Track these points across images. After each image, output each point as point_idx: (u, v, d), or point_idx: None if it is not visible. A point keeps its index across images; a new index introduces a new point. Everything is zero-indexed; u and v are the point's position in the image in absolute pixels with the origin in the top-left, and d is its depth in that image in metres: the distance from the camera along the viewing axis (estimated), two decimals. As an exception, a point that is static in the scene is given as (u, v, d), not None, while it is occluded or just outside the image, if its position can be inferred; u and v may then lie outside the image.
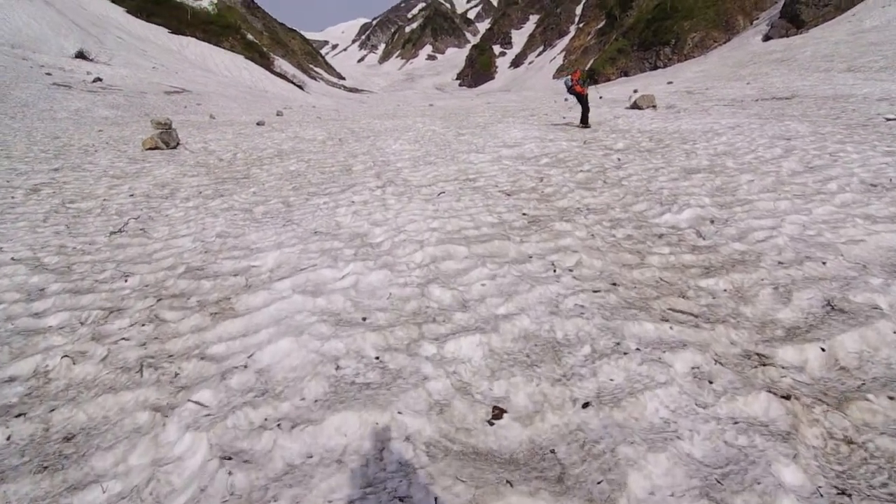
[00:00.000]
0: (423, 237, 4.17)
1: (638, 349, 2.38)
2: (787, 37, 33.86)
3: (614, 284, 3.12)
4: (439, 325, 2.79)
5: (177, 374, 2.46)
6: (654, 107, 16.05)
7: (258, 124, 16.48)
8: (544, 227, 4.34)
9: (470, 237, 4.14)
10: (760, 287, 2.96)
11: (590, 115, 12.48)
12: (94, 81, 23.29)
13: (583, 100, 12.23)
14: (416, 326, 2.77)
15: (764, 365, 2.23)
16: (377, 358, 2.49)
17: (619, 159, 7.31)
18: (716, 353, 2.33)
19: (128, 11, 49.05)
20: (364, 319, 2.91)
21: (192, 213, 5.70)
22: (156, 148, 10.65)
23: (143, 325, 2.99)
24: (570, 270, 3.37)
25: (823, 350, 2.28)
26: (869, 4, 32.13)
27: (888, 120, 8.69)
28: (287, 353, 2.56)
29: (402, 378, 2.30)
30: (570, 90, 12.29)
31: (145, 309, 3.21)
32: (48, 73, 22.71)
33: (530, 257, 3.65)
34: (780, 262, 3.29)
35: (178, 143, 11.32)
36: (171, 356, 2.64)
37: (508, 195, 5.58)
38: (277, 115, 23.05)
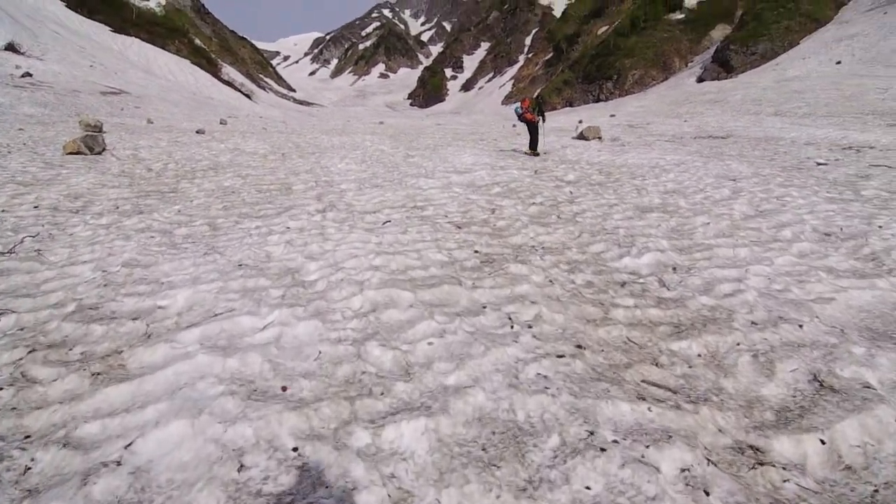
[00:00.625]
0: (364, 277, 3.64)
1: (616, 441, 1.97)
2: (719, 80, 36.42)
3: (580, 347, 2.73)
4: (376, 399, 2.26)
5: (27, 470, 1.81)
6: (599, 138, 16.44)
7: (198, 132, 15.39)
8: (498, 269, 3.93)
9: (416, 280, 3.65)
10: (738, 353, 2.67)
11: (539, 143, 12.47)
12: (22, 76, 21.31)
13: (532, 127, 12.21)
14: (347, 402, 2.23)
15: (762, 464, 1.87)
16: (295, 450, 1.93)
17: (571, 192, 7.13)
18: (705, 448, 1.95)
19: (67, 6, 45.71)
20: (284, 389, 2.34)
21: (101, 234, 4.87)
22: (78, 153, 9.58)
23: (2, 388, 2.28)
24: (530, 326, 2.95)
25: (823, 443, 1.96)
26: (791, 55, 35.26)
27: (819, 164, 9.12)
28: (178, 441, 1.95)
29: (325, 485, 1.76)
30: (521, 118, 12.25)
31: (10, 364, 2.49)
32: (-30, 65, 20.51)
33: (484, 308, 3.21)
34: (753, 323, 3.04)
35: (103, 149, 10.24)
36: (27, 437, 1.98)
37: (459, 228, 5.16)
38: (221, 123, 21.80)
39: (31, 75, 21.91)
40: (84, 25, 44.81)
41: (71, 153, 9.49)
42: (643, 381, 2.44)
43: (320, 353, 2.62)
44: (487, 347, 2.64)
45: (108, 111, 20.30)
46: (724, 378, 2.46)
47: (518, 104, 12.31)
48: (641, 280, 3.82)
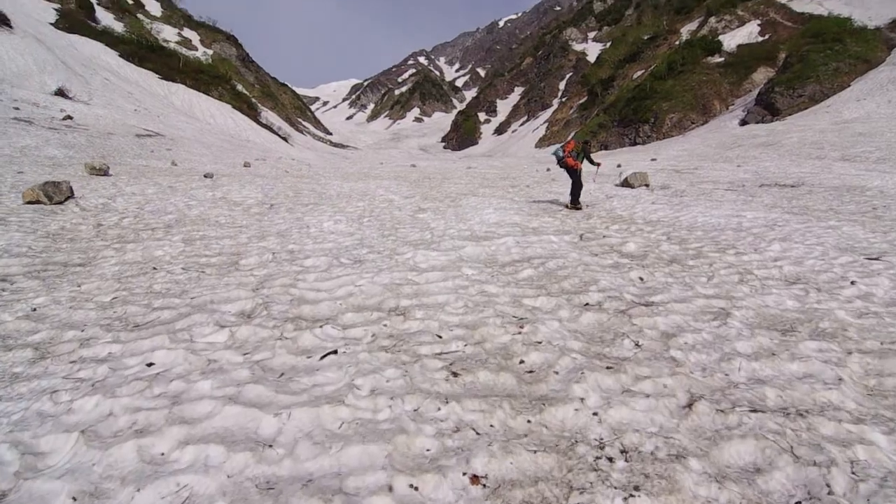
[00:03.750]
0: None
1: None
2: (764, 122, 33.75)
3: None
4: None
5: None
6: (647, 185, 14.05)
7: (205, 176, 13.96)
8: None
9: None
10: None
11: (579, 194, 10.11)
12: (63, 119, 21.15)
13: (575, 175, 9.89)
14: None
15: None
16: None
17: (641, 280, 4.69)
18: None
19: (121, 55, 47.81)
20: None
21: None
22: (37, 202, 8.32)
23: None
24: None
25: None
26: (843, 97, 32.25)
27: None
28: None
29: None
30: (561, 162, 9.92)
31: None
32: (16, 108, 20.49)
33: None
34: None
35: (67, 197, 8.96)
36: None
37: (455, 375, 2.77)
38: (245, 166, 20.66)
39: (71, 118, 21.77)
40: (135, 73, 46.32)
41: (29, 202, 8.26)
42: None
43: None
44: None
45: (137, 153, 19.29)
46: None
47: (560, 147, 9.97)
48: None
